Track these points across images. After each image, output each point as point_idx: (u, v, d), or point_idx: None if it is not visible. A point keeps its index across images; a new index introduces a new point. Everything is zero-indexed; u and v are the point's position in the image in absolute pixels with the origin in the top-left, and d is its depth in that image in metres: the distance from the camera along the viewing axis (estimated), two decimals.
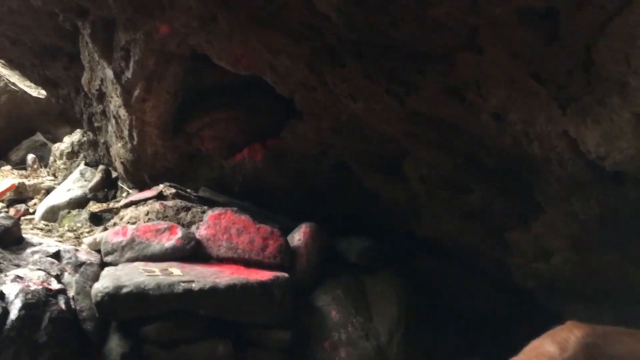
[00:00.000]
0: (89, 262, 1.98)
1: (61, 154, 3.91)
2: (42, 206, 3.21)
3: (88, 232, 2.41)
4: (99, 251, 2.10)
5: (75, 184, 3.33)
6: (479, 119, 1.69)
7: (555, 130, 1.56)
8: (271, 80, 2.10)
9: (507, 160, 1.85)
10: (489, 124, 1.69)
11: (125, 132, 2.68)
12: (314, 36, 1.88)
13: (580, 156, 1.57)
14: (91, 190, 3.23)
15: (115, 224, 2.27)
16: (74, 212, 3.00)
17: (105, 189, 3.29)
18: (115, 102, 2.64)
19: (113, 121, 2.80)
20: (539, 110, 1.55)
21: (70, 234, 2.44)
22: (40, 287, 1.75)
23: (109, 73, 2.51)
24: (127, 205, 2.39)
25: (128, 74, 2.28)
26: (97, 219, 2.80)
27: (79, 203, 3.17)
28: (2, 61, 3.93)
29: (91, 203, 3.17)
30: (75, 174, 3.48)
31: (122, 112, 2.57)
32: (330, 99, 2.07)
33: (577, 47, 1.43)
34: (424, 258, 2.51)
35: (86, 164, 3.60)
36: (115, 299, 1.72)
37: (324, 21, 1.76)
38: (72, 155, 3.85)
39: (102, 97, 2.84)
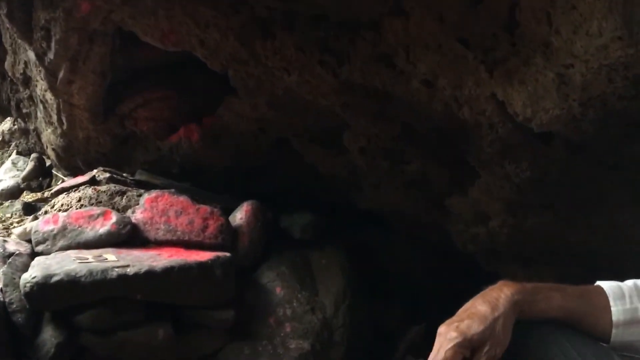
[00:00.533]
0: (18, 252, 1.90)
1: None
2: None
3: (18, 223, 2.30)
4: (29, 241, 2.01)
5: (6, 174, 3.19)
6: (410, 86, 1.69)
7: (484, 93, 1.57)
8: (202, 56, 2.04)
9: (441, 127, 1.86)
10: (420, 91, 1.69)
11: (54, 117, 2.56)
12: (242, 8, 1.83)
13: (508, 118, 1.58)
14: (24, 179, 3.10)
15: (46, 212, 2.18)
16: (7, 203, 2.88)
17: (40, 177, 3.16)
18: (41, 86, 2.51)
19: (41, 106, 2.68)
20: (466, 74, 1.56)
21: None
22: None
23: (32, 55, 2.39)
24: (58, 193, 2.29)
25: (50, 55, 2.17)
26: (31, 209, 2.68)
27: (11, 194, 3.04)
28: None
29: (25, 193, 3.04)
30: (7, 163, 3.33)
31: (49, 95, 2.46)
32: (264, 73, 2.03)
33: (501, 9, 1.43)
34: (367, 230, 2.52)
35: (18, 153, 3.45)
36: (44, 288, 1.65)
37: None
38: (3, 144, 3.68)
39: (27, 81, 2.71)
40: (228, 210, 2.28)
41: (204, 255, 1.94)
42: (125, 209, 2.15)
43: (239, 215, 2.25)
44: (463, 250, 2.31)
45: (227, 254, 2.01)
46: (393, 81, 1.72)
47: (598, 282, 1.04)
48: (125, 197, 2.20)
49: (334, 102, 2.00)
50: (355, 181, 2.39)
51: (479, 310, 0.98)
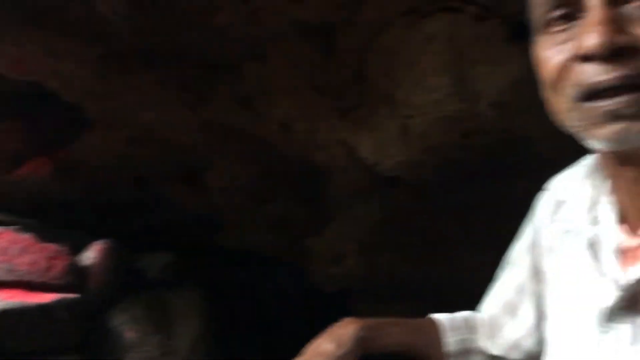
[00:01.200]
0: None
1: None
2: None
3: None
4: None
5: None
6: (269, 128, 1.74)
7: (336, 138, 1.66)
8: (54, 88, 1.95)
9: (300, 168, 1.92)
10: (278, 134, 1.74)
11: None
12: (100, 41, 1.78)
13: (358, 163, 1.68)
14: None
15: None
16: None
17: None
18: None
19: None
20: (320, 120, 1.64)
21: None
22: None
23: None
24: None
25: None
26: None
27: None
28: None
29: None
30: None
31: None
32: (123, 109, 1.98)
33: (351, 61, 1.54)
34: (230, 270, 2.50)
35: None
36: None
37: (109, 26, 1.68)
38: None
39: None
40: (78, 249, 2.15)
41: (47, 297, 1.81)
42: None
43: (90, 255, 2.13)
44: (322, 290, 2.37)
45: (74, 296, 1.89)
46: (253, 123, 1.76)
47: (432, 315, 1.09)
48: None
49: (195, 140, 2.00)
50: (218, 220, 2.38)
51: (325, 349, 1.01)
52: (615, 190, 0.72)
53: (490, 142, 1.52)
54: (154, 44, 1.72)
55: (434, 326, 1.05)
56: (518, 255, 0.98)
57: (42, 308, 1.73)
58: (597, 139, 0.60)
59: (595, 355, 0.71)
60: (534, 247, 0.92)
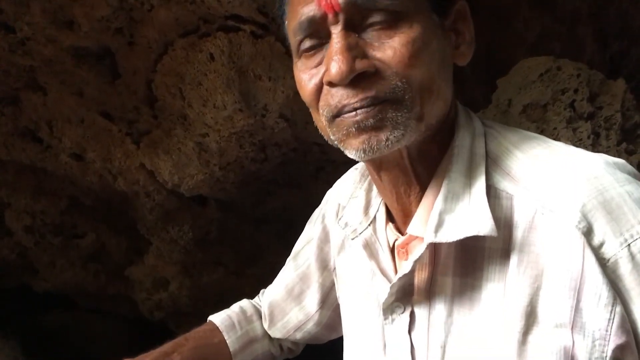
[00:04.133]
0: None
1: None
2: None
3: None
4: None
5: None
6: (59, 160, 1.65)
7: (134, 164, 1.61)
8: None
9: (104, 198, 1.84)
10: (71, 165, 1.66)
11: None
12: None
13: (161, 186, 1.65)
14: None
15: None
16: None
17: None
18: None
19: None
20: (114, 146, 1.59)
21: None
22: None
23: None
24: None
25: None
26: None
27: None
28: None
29: None
30: None
31: None
32: None
33: (139, 84, 1.51)
34: (47, 313, 2.32)
35: None
36: None
37: None
38: None
39: None
40: None
41: None
42: None
43: None
44: (151, 318, 2.29)
45: None
46: (41, 156, 1.65)
47: (210, 317, 1.07)
48: None
49: None
50: (27, 263, 2.20)
51: None
52: (380, 193, 0.78)
53: (284, 152, 1.58)
54: None
55: (213, 330, 1.05)
56: (303, 249, 1.03)
57: None
58: (350, 150, 0.64)
59: (381, 344, 0.77)
60: (323, 242, 0.98)
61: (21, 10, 1.28)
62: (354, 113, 0.63)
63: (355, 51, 0.61)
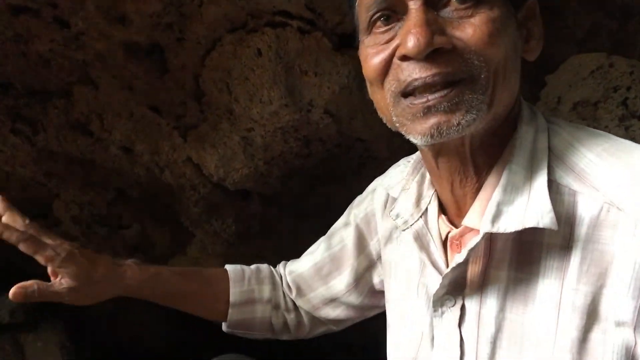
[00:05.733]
0: None
1: None
2: None
3: None
4: None
5: None
6: (109, 152, 1.69)
7: (180, 157, 1.64)
8: None
9: (150, 190, 1.88)
10: (119, 157, 1.69)
11: None
12: None
13: (206, 179, 1.68)
14: None
15: None
16: None
17: None
18: None
19: None
20: (162, 140, 1.62)
21: None
22: None
23: None
24: None
25: None
26: None
27: None
28: None
29: None
30: None
31: None
32: None
33: (187, 79, 1.53)
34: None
35: None
36: None
37: None
38: None
39: None
40: None
41: None
42: None
43: None
44: None
45: None
46: (92, 148, 1.70)
47: (226, 265, 1.11)
48: None
49: (35, 171, 1.88)
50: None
51: None
52: (435, 183, 0.78)
53: (328, 148, 1.58)
54: None
55: (225, 278, 1.06)
56: (338, 231, 1.04)
57: None
58: (415, 135, 0.64)
59: (429, 337, 0.78)
60: (365, 229, 0.98)
61: (76, 6, 1.31)
62: (424, 99, 0.62)
63: (434, 26, 0.61)
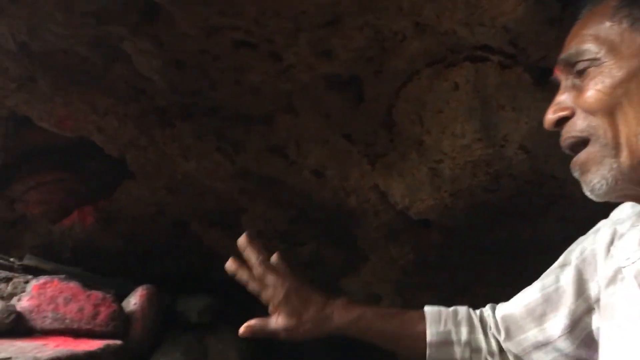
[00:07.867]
0: None
1: None
2: None
3: None
4: None
5: None
6: (301, 175, 1.80)
7: (367, 184, 1.70)
8: (99, 142, 2.05)
9: (332, 212, 1.97)
10: (310, 181, 1.80)
11: None
12: (141, 97, 1.88)
13: (390, 207, 1.72)
14: None
15: None
16: None
17: None
18: None
19: None
20: (351, 166, 1.69)
21: None
22: None
23: None
24: None
25: None
26: None
27: None
28: None
29: None
30: None
31: None
32: (163, 159, 2.07)
33: (380, 110, 1.59)
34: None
35: None
36: None
37: (149, 83, 1.78)
38: None
39: None
40: (122, 295, 2.22)
41: (94, 344, 1.87)
42: (10, 296, 2.04)
43: (133, 301, 2.20)
44: None
45: (118, 342, 1.95)
46: (285, 171, 1.82)
47: (425, 307, 1.17)
48: (11, 283, 2.09)
49: (231, 187, 2.07)
50: None
51: None
52: None
53: (518, 184, 1.54)
54: (191, 98, 1.81)
55: (422, 318, 1.10)
56: (554, 271, 1.00)
57: (90, 355, 1.79)
58: None
59: None
60: (586, 269, 0.94)
61: (290, 41, 1.43)
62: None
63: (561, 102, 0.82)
